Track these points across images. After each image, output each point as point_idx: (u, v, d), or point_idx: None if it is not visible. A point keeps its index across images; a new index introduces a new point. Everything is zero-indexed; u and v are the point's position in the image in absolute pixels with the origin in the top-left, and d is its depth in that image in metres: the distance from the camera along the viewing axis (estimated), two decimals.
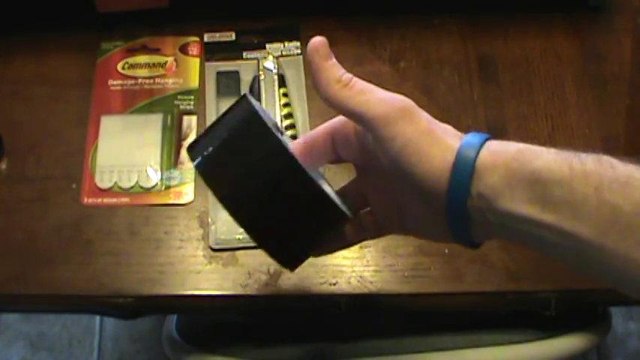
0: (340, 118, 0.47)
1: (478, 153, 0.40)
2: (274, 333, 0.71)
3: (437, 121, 0.43)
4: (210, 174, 0.44)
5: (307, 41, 0.71)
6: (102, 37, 0.72)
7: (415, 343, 0.69)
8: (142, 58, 0.71)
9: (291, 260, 0.47)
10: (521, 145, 0.40)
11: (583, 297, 0.62)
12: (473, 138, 0.41)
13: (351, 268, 0.61)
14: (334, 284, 0.61)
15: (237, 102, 0.47)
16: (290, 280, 0.61)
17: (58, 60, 0.71)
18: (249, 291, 0.61)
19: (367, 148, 0.45)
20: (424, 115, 0.42)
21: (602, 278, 0.38)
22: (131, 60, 0.71)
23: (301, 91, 0.69)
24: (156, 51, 0.71)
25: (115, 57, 0.71)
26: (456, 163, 0.40)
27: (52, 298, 0.61)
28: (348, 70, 0.73)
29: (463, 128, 0.67)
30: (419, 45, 0.72)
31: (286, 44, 0.72)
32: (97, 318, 1.33)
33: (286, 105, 0.68)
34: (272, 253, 0.45)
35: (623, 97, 0.70)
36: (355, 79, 0.44)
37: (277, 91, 0.68)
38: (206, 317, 0.73)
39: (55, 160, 0.66)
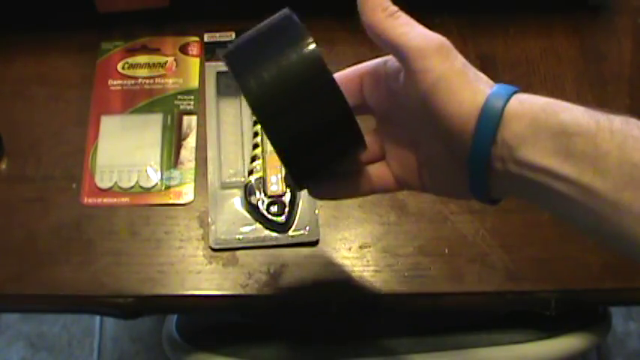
0: (372, 62, 0.48)
1: (507, 101, 0.40)
2: (274, 333, 0.71)
3: (472, 67, 0.43)
4: (238, 61, 0.47)
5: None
6: (102, 37, 0.72)
7: (415, 343, 0.69)
8: (142, 58, 0.71)
9: (300, 175, 0.45)
10: (550, 99, 0.40)
11: (583, 297, 0.62)
12: (503, 88, 0.41)
13: (351, 268, 0.61)
14: (334, 284, 0.60)
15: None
16: (290, 280, 0.61)
17: (58, 60, 0.71)
18: (249, 291, 0.61)
19: (396, 92, 0.45)
20: (460, 57, 0.43)
21: (611, 240, 0.39)
22: (131, 60, 0.71)
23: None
24: (156, 51, 0.71)
25: (115, 57, 0.71)
26: (485, 107, 0.40)
27: (52, 298, 0.61)
28: None
29: None
30: None
31: None
32: (97, 318, 1.33)
33: None
34: (285, 161, 0.43)
35: (623, 97, 0.70)
36: (400, 12, 0.45)
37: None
38: (206, 317, 0.73)
39: (55, 160, 0.66)
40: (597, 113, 0.39)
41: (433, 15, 0.74)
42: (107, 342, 1.32)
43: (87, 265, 0.61)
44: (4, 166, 0.66)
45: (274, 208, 0.62)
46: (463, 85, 0.41)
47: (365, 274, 0.61)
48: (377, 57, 0.73)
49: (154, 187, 0.65)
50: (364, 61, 0.71)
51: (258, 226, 0.63)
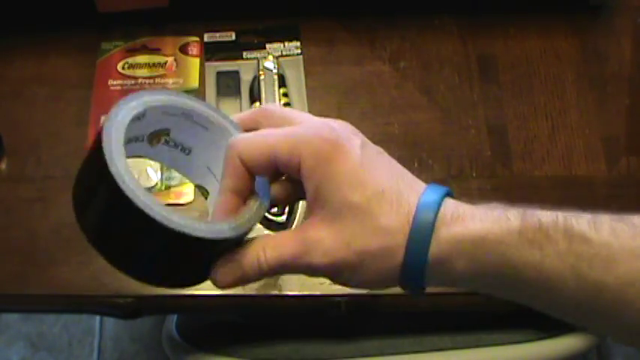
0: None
1: (427, 250, 0.37)
2: (274, 333, 0.71)
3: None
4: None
5: (307, 41, 0.72)
6: (102, 37, 0.72)
7: (415, 343, 0.69)
8: (142, 58, 0.71)
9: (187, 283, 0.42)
10: (478, 229, 0.36)
11: None
12: (420, 218, 0.37)
13: None
14: (334, 284, 0.60)
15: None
16: (290, 280, 0.61)
17: (58, 60, 0.71)
18: (249, 291, 0.61)
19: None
20: (359, 247, 0.37)
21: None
22: (131, 60, 0.71)
23: (301, 91, 0.69)
24: (156, 51, 0.71)
25: (115, 57, 0.71)
26: (404, 268, 0.37)
27: (52, 298, 0.61)
28: (348, 70, 0.73)
29: (463, 128, 0.68)
30: (419, 45, 0.72)
31: (286, 44, 0.72)
32: (97, 318, 1.33)
33: (286, 105, 0.68)
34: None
35: (623, 97, 0.70)
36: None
37: (277, 91, 0.68)
38: (206, 317, 0.73)
39: (55, 160, 0.66)
40: (535, 233, 0.35)
41: (433, 15, 0.74)
42: (107, 342, 1.32)
43: (87, 265, 0.61)
44: (4, 166, 0.66)
45: (274, 209, 0.62)
46: (377, 273, 0.38)
47: None
48: (378, 57, 0.73)
49: (154, 187, 0.65)
50: (364, 60, 0.72)
51: (259, 226, 0.62)
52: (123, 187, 0.36)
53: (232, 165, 0.39)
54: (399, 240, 0.37)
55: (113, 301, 0.60)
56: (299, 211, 0.63)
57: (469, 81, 0.70)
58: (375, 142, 0.68)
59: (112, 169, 0.37)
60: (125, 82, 0.70)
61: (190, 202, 0.64)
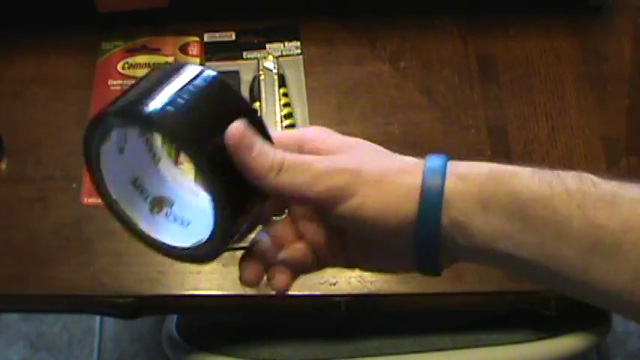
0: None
1: (444, 180, 0.37)
2: (274, 333, 0.71)
3: (385, 155, 0.39)
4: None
5: (307, 41, 0.72)
6: (102, 37, 0.72)
7: (415, 343, 0.69)
8: (142, 58, 0.71)
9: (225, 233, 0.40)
10: (493, 166, 0.37)
11: None
12: (433, 163, 0.38)
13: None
14: (334, 284, 0.60)
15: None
16: None
17: (58, 60, 0.71)
18: (249, 291, 0.61)
19: None
20: (369, 165, 0.38)
21: (583, 298, 0.37)
22: (131, 60, 0.71)
23: (301, 91, 0.69)
24: (156, 51, 0.71)
25: (115, 57, 0.71)
26: (422, 198, 0.37)
27: (52, 298, 0.61)
28: (348, 70, 0.73)
29: (463, 128, 0.68)
30: (419, 45, 0.72)
31: (286, 44, 0.72)
32: (97, 318, 1.33)
33: (286, 105, 0.68)
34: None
35: (623, 97, 0.70)
36: (287, 157, 0.38)
37: (277, 91, 0.68)
38: (206, 317, 0.73)
39: (55, 160, 0.66)
40: (547, 173, 0.37)
41: (433, 15, 0.74)
42: (107, 342, 1.32)
43: (87, 265, 0.61)
44: (4, 166, 0.66)
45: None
46: (388, 194, 0.37)
47: (365, 274, 0.61)
48: (378, 57, 0.73)
49: None
50: (364, 60, 0.72)
51: (259, 225, 0.63)
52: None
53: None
54: (417, 167, 0.37)
55: (113, 301, 0.60)
56: None
57: (469, 81, 0.70)
58: (375, 142, 0.68)
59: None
60: (125, 82, 0.70)
61: None
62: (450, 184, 0.37)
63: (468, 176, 0.37)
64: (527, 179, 0.37)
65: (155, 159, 0.42)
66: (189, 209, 0.42)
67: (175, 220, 0.42)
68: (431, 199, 0.36)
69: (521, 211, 0.36)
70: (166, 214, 0.42)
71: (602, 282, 0.35)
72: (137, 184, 0.42)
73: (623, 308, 0.36)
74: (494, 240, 0.37)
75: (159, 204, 0.42)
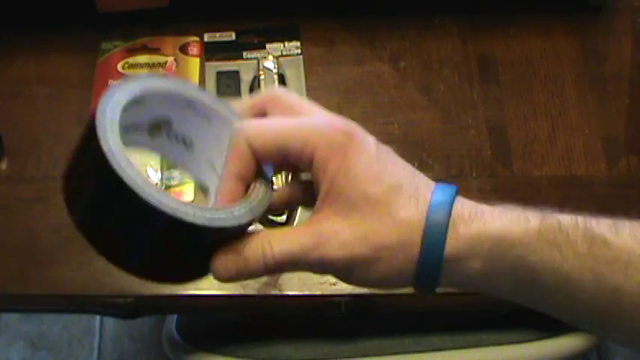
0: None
1: (443, 250, 0.35)
2: (274, 333, 0.71)
3: (383, 213, 0.36)
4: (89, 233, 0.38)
5: (307, 41, 0.72)
6: (102, 37, 0.72)
7: (415, 343, 0.69)
8: (142, 58, 0.71)
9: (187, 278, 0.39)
10: (497, 227, 0.35)
11: None
12: (435, 219, 0.35)
13: None
14: (334, 284, 0.60)
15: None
16: (290, 280, 0.61)
17: (59, 60, 0.71)
18: (249, 291, 0.61)
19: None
20: (362, 247, 0.36)
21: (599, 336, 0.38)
22: (131, 60, 0.71)
23: (301, 91, 0.69)
24: (156, 51, 0.71)
25: (115, 57, 0.71)
26: (419, 272, 0.36)
27: (52, 298, 0.61)
28: (348, 70, 0.73)
29: (463, 128, 0.68)
30: (419, 45, 0.72)
31: (286, 44, 0.72)
32: (97, 318, 1.33)
33: None
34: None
35: (623, 97, 0.70)
36: (276, 256, 0.36)
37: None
38: (206, 317, 0.73)
39: (55, 159, 0.66)
40: (557, 235, 0.35)
41: (433, 15, 0.74)
42: (107, 342, 1.32)
43: (87, 264, 0.61)
44: (4, 166, 0.66)
45: None
46: (386, 271, 0.36)
47: None
48: (378, 57, 0.73)
49: None
50: (364, 60, 0.72)
51: (259, 225, 0.62)
52: (112, 162, 0.34)
53: (239, 150, 0.37)
54: (416, 235, 0.35)
55: (113, 301, 0.60)
56: (298, 211, 0.63)
57: (469, 81, 0.70)
58: None
59: (104, 147, 0.34)
60: None
61: (191, 202, 0.64)
62: (451, 252, 0.35)
63: (471, 242, 0.35)
64: (535, 246, 0.35)
65: None
66: None
67: None
68: (428, 274, 0.36)
69: (531, 279, 0.35)
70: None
71: (620, 337, 0.36)
72: None
73: None
74: (502, 296, 0.37)
75: None
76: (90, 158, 0.36)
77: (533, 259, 0.35)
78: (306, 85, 0.69)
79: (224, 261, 0.36)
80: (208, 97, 0.39)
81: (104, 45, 0.72)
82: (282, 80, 0.69)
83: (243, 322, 0.73)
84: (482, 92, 0.70)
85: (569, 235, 0.34)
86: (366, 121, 0.68)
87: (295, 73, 0.70)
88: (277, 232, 0.37)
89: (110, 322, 1.32)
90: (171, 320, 0.73)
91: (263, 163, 0.38)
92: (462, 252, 0.35)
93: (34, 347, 1.31)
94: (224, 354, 0.68)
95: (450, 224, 0.35)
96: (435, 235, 0.35)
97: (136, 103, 0.37)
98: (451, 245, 0.35)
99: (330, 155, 0.36)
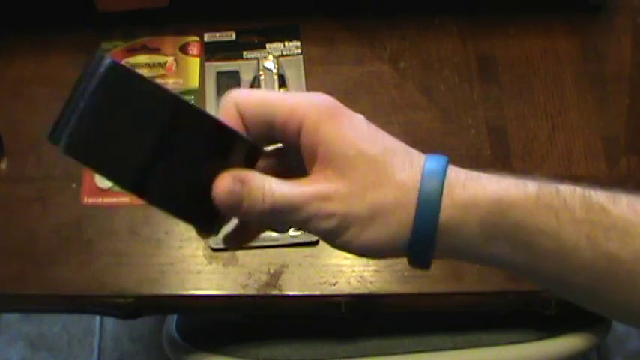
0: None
1: (438, 213, 0.35)
2: (274, 333, 0.71)
3: (380, 171, 0.36)
4: (82, 151, 0.38)
5: (307, 41, 0.72)
6: (102, 37, 0.72)
7: (415, 343, 0.69)
8: (142, 58, 0.71)
9: (207, 223, 0.38)
10: (495, 191, 0.35)
11: None
12: (430, 185, 0.35)
13: (351, 268, 0.61)
14: (334, 284, 0.61)
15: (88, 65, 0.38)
16: (290, 280, 0.61)
17: (59, 60, 0.71)
18: (249, 291, 0.61)
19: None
20: (359, 201, 0.35)
21: (593, 309, 0.38)
22: (131, 60, 0.71)
23: (301, 91, 0.69)
24: (156, 51, 0.71)
25: (115, 57, 0.71)
26: (414, 235, 0.35)
27: (52, 298, 0.61)
28: (348, 70, 0.73)
29: (463, 128, 0.68)
30: (419, 45, 0.72)
31: (286, 44, 0.72)
32: (97, 318, 1.33)
33: None
34: (188, 219, 0.37)
35: (623, 97, 0.70)
36: (277, 201, 0.35)
37: (277, 91, 0.68)
38: (206, 317, 0.73)
39: (55, 159, 0.66)
40: (553, 199, 0.34)
41: (433, 15, 0.74)
42: (107, 342, 1.32)
43: (87, 264, 0.61)
44: (4, 166, 0.66)
45: None
46: (381, 231, 0.35)
47: (365, 274, 0.61)
48: (378, 57, 0.73)
49: None
50: (364, 60, 0.72)
51: None
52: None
53: (228, 112, 0.37)
54: (411, 197, 0.35)
55: (113, 301, 0.60)
56: None
57: (469, 81, 0.70)
58: None
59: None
60: None
61: None
62: (447, 215, 0.35)
63: (467, 205, 0.35)
64: (532, 210, 0.35)
65: None
66: None
67: None
68: (424, 238, 0.35)
69: (527, 243, 0.35)
70: None
71: (614, 309, 0.36)
72: None
73: (634, 324, 0.37)
74: (498, 263, 0.36)
75: None
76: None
77: (529, 222, 0.34)
78: (306, 85, 0.69)
79: (227, 178, 0.35)
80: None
81: (104, 45, 0.72)
82: (282, 80, 0.69)
83: (243, 322, 0.73)
84: (482, 92, 0.70)
85: (567, 200, 0.34)
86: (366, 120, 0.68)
87: (295, 73, 0.70)
88: (281, 180, 0.36)
89: (110, 322, 1.32)
90: (171, 320, 0.73)
91: (249, 129, 0.37)
92: (458, 215, 0.35)
93: (34, 347, 1.31)
94: (224, 354, 0.68)
95: (446, 187, 0.35)
96: (430, 196, 0.35)
97: None
98: (447, 207, 0.35)
99: (321, 119, 0.36)
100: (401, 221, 0.35)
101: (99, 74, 0.37)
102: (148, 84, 0.34)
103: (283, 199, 0.35)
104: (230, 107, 0.37)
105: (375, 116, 0.68)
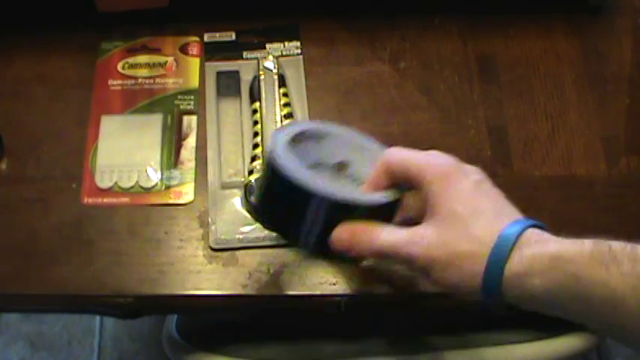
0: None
1: (503, 269, 0.43)
2: (274, 333, 0.71)
3: (462, 228, 0.45)
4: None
5: (307, 41, 0.72)
6: (102, 37, 0.72)
7: (415, 343, 0.69)
8: (142, 58, 0.71)
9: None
10: (556, 247, 0.42)
11: None
12: (501, 246, 0.43)
13: (351, 268, 0.61)
14: (334, 284, 0.61)
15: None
16: (290, 280, 0.61)
17: (59, 60, 0.71)
18: (249, 291, 0.61)
19: None
20: (440, 250, 0.45)
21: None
22: (131, 60, 0.71)
23: (301, 91, 0.69)
24: (156, 51, 0.71)
25: (115, 57, 0.71)
26: (483, 285, 0.44)
27: (53, 297, 0.61)
28: (348, 70, 0.73)
29: (463, 128, 0.68)
30: (419, 45, 0.72)
31: (286, 44, 0.72)
32: (97, 318, 1.33)
33: (286, 105, 0.68)
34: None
35: (623, 97, 0.70)
36: (385, 247, 0.48)
37: (277, 91, 0.68)
38: (206, 317, 0.73)
39: (55, 160, 0.66)
40: (604, 254, 0.41)
41: (433, 15, 0.74)
42: (107, 341, 1.32)
43: (87, 264, 0.61)
44: (4, 166, 0.66)
45: None
46: (456, 275, 0.45)
47: (365, 274, 0.61)
48: (378, 57, 0.73)
49: (154, 187, 0.65)
50: (364, 60, 0.72)
51: (258, 226, 0.63)
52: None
53: (383, 160, 0.50)
54: (484, 250, 0.43)
55: (113, 301, 0.60)
56: None
57: (469, 81, 0.70)
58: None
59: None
60: (125, 82, 0.70)
61: (191, 202, 0.64)
62: (513, 268, 0.43)
63: (531, 261, 0.42)
64: (586, 263, 0.41)
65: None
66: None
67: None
68: (491, 285, 0.43)
69: (583, 293, 0.40)
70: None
71: None
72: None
73: None
74: (560, 312, 0.43)
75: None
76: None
77: (583, 276, 0.40)
78: (306, 85, 0.69)
79: (341, 233, 0.48)
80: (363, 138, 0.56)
81: (104, 45, 0.72)
82: (282, 80, 0.69)
83: (243, 322, 0.73)
84: (482, 92, 0.70)
85: (617, 255, 0.40)
86: (366, 121, 0.68)
87: (295, 73, 0.70)
88: (393, 228, 0.48)
89: (110, 322, 1.33)
90: (171, 320, 0.73)
91: (393, 178, 0.49)
92: (523, 269, 0.42)
93: (34, 347, 1.31)
94: (224, 354, 0.68)
95: (517, 245, 0.43)
96: (500, 251, 0.43)
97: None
98: (514, 261, 0.43)
99: (434, 179, 0.46)
100: (474, 269, 0.44)
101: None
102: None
103: (387, 244, 0.47)
104: (384, 158, 0.50)
105: (375, 116, 0.69)
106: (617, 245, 0.40)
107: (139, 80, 0.70)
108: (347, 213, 0.48)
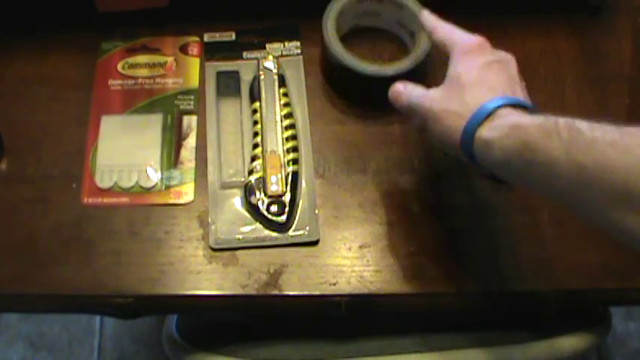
0: None
1: (475, 132, 0.50)
2: (274, 333, 0.71)
3: (457, 91, 0.53)
4: None
5: (307, 41, 0.72)
6: (102, 37, 0.72)
7: (415, 343, 0.69)
8: (142, 58, 0.71)
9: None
10: (516, 118, 0.49)
11: (583, 297, 0.62)
12: (478, 115, 0.50)
13: (351, 268, 0.61)
14: (334, 284, 0.61)
15: None
16: (290, 280, 0.61)
17: (59, 60, 0.71)
18: (249, 291, 0.61)
19: None
20: (437, 104, 0.54)
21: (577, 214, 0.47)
22: (131, 60, 0.71)
23: (301, 91, 0.69)
24: (156, 51, 0.72)
25: (115, 57, 0.71)
26: (462, 137, 0.51)
27: (52, 298, 0.61)
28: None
29: None
30: None
31: (286, 44, 0.72)
32: (97, 318, 1.33)
33: (286, 105, 0.68)
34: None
35: (623, 97, 0.70)
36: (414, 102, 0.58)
37: (277, 91, 0.68)
38: (206, 317, 0.73)
39: (55, 159, 0.66)
40: (550, 126, 0.46)
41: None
42: (107, 342, 1.32)
43: (87, 264, 0.61)
44: (4, 166, 0.66)
45: (274, 208, 0.62)
46: (442, 128, 0.53)
47: (365, 274, 0.61)
48: (378, 57, 0.73)
49: (154, 187, 0.65)
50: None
51: (258, 226, 0.63)
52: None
53: (427, 20, 0.62)
54: (467, 114, 0.51)
55: (113, 301, 0.60)
56: (298, 211, 0.63)
57: None
58: (375, 142, 0.68)
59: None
60: (125, 82, 0.70)
61: (191, 202, 0.64)
62: (483, 132, 0.50)
63: (496, 128, 0.49)
64: (534, 132, 0.46)
65: None
66: None
67: None
68: (467, 141, 0.51)
69: (529, 158, 0.46)
70: None
71: (584, 212, 0.46)
72: None
73: (601, 226, 0.46)
74: (517, 178, 0.49)
75: None
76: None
77: (532, 140, 0.46)
78: (306, 85, 0.69)
79: (395, 85, 0.59)
80: None
81: (104, 45, 0.72)
82: (282, 80, 0.69)
83: (243, 322, 0.73)
84: None
85: (559, 126, 0.45)
86: (366, 120, 0.68)
87: (295, 73, 0.70)
88: (418, 87, 0.58)
89: (110, 322, 1.33)
90: (171, 320, 0.73)
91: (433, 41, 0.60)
92: (490, 136, 0.49)
93: (34, 347, 1.31)
94: (224, 354, 0.68)
95: (492, 116, 0.50)
96: (476, 118, 0.50)
97: None
98: (484, 129, 0.50)
99: (456, 51, 0.56)
100: (456, 127, 0.51)
101: None
102: None
103: (413, 96, 0.57)
104: (426, 20, 0.62)
105: (375, 116, 0.69)
106: (563, 119, 0.46)
107: (139, 80, 0.70)
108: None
